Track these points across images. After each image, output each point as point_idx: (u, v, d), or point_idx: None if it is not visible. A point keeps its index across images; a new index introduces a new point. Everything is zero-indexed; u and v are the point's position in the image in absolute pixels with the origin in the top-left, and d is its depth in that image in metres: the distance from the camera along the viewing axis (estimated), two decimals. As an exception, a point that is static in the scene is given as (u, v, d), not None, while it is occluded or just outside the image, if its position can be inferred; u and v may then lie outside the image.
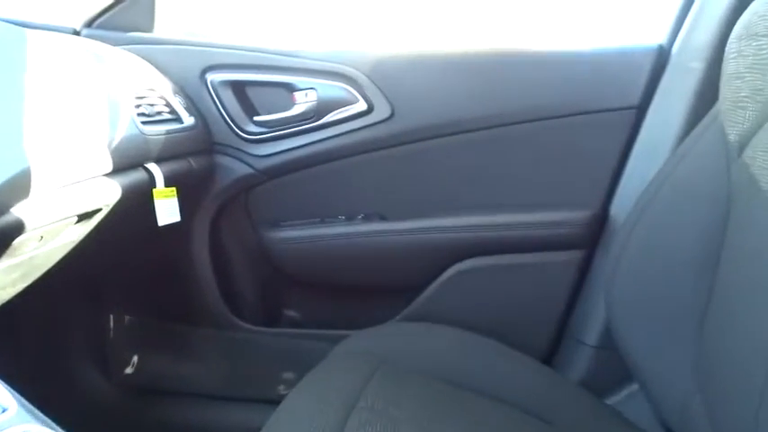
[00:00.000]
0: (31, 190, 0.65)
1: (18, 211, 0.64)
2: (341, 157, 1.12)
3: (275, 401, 0.78)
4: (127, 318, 1.26)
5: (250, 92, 1.13)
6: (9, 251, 0.66)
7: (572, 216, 1.05)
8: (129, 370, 1.27)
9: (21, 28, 0.81)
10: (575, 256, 1.07)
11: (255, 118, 1.12)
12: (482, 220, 1.08)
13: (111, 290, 1.24)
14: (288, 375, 1.21)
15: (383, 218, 1.15)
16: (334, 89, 1.09)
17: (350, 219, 1.15)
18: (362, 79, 1.08)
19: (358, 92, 1.08)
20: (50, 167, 0.68)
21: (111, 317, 1.25)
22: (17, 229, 0.64)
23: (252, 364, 1.22)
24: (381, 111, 1.08)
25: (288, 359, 1.20)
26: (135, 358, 1.27)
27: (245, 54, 1.12)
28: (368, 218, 1.15)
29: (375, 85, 1.08)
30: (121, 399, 1.26)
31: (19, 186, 0.63)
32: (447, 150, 1.09)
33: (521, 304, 1.10)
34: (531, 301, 1.09)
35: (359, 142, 1.10)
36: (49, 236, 0.74)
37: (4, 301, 0.76)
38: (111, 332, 1.26)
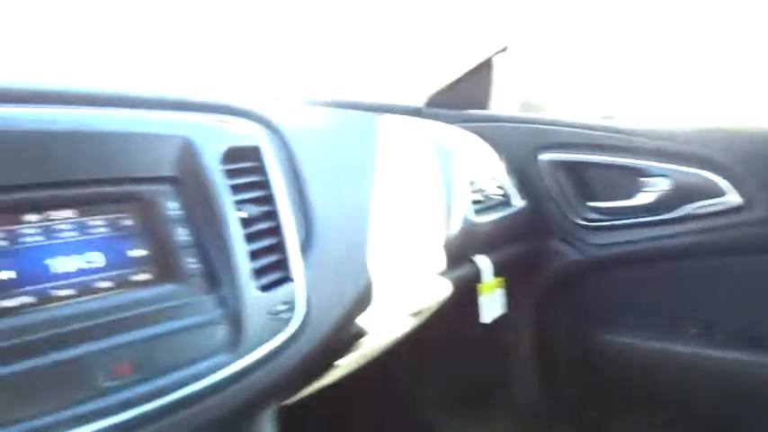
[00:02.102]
0: (373, 298, 0.64)
1: (362, 319, 0.64)
2: (700, 256, 0.93)
3: None
4: None
5: (587, 174, 1.01)
6: (353, 349, 0.68)
7: None
8: None
9: (368, 114, 0.81)
10: None
11: (591, 203, 1.00)
12: None
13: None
14: None
15: (753, 341, 0.90)
16: (694, 177, 0.91)
17: (707, 335, 0.93)
18: (735, 166, 0.88)
19: (729, 182, 0.88)
20: (388, 270, 0.66)
21: None
22: (360, 334, 0.66)
23: None
24: (762, 207, 0.86)
25: None
26: None
27: (584, 132, 1.00)
28: (731, 337, 0.91)
29: (753, 174, 0.86)
30: None
31: (363, 299, 0.63)
32: None
33: None
34: None
35: (728, 241, 0.90)
36: (385, 335, 0.74)
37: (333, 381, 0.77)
38: None
